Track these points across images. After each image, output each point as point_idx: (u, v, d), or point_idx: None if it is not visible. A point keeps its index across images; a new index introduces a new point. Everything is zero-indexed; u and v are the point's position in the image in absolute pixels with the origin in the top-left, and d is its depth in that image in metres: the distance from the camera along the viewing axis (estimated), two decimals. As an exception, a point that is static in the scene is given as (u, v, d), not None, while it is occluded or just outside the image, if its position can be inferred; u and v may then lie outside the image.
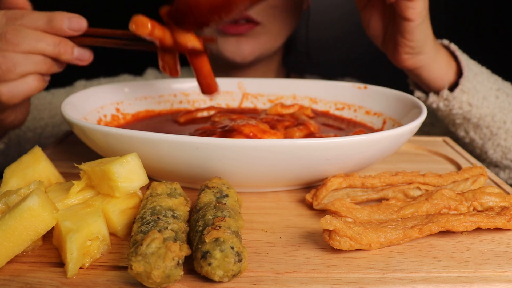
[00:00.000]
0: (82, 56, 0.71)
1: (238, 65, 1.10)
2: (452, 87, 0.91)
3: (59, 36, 0.69)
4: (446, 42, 0.95)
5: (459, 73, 0.92)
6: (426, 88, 0.94)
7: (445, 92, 0.90)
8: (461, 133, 0.97)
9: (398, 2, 0.77)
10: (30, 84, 0.69)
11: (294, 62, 1.30)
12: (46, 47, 0.68)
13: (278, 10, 1.04)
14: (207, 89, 0.73)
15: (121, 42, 0.71)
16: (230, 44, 1.06)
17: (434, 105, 0.93)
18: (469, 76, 0.90)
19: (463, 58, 0.92)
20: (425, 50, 0.85)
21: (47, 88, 1.12)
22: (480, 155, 0.99)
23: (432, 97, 0.92)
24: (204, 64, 0.70)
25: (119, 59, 1.21)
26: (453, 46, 0.94)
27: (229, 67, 1.13)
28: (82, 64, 0.72)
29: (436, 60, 0.89)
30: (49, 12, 0.69)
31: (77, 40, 0.70)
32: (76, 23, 0.68)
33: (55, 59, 0.70)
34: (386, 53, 0.89)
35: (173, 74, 0.72)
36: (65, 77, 0.90)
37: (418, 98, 0.95)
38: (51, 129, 1.13)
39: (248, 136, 0.64)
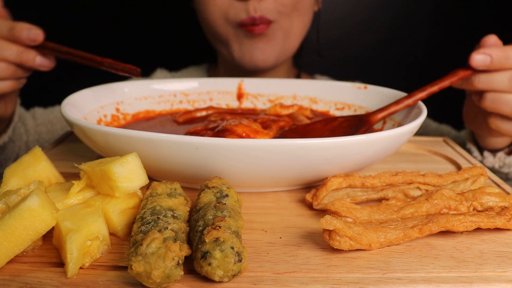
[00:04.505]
0: (44, 63, 0.78)
1: (260, 70, 1.10)
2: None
3: (21, 45, 0.76)
4: None
5: None
6: (482, 145, 0.92)
7: (502, 156, 0.89)
8: None
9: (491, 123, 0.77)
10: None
11: (305, 62, 1.29)
12: (9, 55, 0.75)
13: (289, 8, 1.05)
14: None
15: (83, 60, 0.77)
16: (249, 50, 1.07)
17: (488, 164, 0.91)
18: None
19: None
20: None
21: (27, 105, 1.12)
22: None
23: (489, 157, 0.90)
24: None
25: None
26: None
27: (244, 73, 1.13)
28: (44, 69, 0.79)
29: None
30: (11, 21, 0.76)
31: (42, 50, 0.77)
32: (34, 34, 0.75)
33: (19, 66, 0.77)
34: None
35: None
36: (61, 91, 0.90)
37: (475, 157, 0.93)
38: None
39: (241, 136, 0.64)
